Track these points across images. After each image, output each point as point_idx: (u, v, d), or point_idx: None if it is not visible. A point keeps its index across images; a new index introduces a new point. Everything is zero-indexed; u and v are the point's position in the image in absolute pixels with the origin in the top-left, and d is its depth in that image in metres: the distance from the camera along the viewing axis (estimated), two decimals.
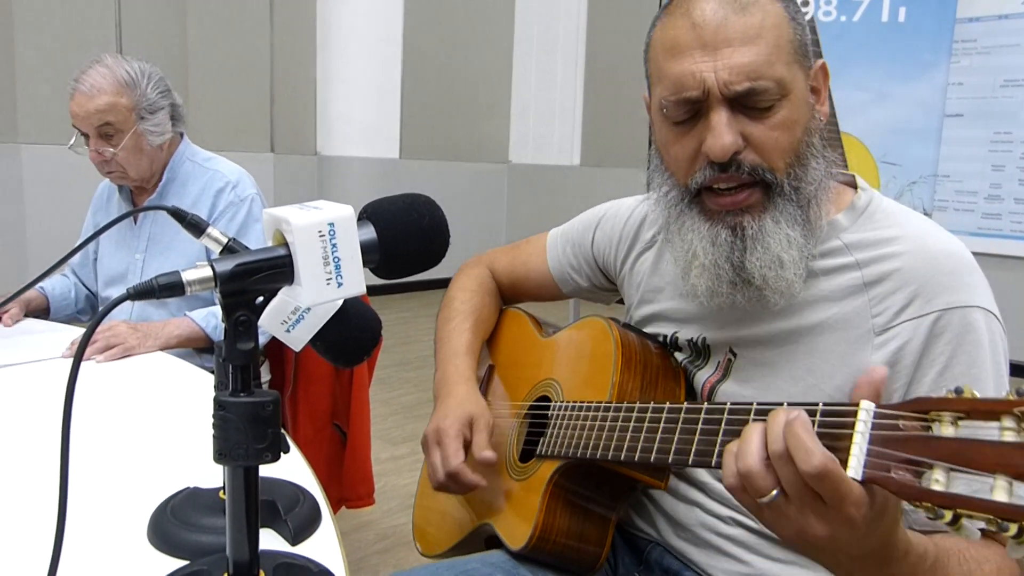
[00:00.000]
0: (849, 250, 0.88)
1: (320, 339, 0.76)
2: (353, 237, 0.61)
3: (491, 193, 7.16)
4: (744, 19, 0.81)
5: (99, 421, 1.17)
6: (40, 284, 1.95)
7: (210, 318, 1.71)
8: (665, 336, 1.03)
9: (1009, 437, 0.53)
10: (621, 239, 1.14)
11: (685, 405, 0.80)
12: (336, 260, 0.60)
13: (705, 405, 0.78)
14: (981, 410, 0.55)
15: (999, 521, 0.51)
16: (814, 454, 0.60)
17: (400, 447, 3.12)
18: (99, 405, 1.26)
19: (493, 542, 1.08)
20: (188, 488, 0.87)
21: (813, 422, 0.63)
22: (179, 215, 0.72)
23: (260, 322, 0.72)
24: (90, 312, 2.04)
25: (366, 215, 0.65)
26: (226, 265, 0.58)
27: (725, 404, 0.75)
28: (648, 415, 0.85)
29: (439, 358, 1.22)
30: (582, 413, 0.96)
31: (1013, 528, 0.50)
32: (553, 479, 0.97)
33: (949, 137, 3.02)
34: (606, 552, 0.99)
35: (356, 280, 0.61)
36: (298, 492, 0.87)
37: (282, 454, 0.63)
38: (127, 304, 1.84)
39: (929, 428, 0.58)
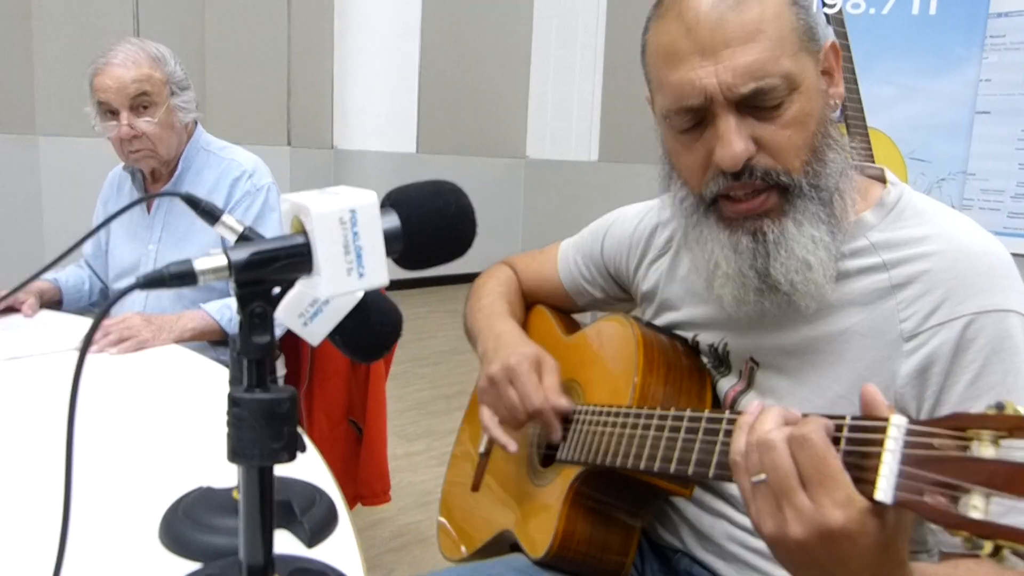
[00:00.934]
0: (876, 250, 0.82)
1: (339, 333, 0.73)
2: (376, 225, 0.57)
3: (508, 188, 7.12)
4: (741, 15, 0.75)
5: (110, 416, 1.14)
6: (54, 276, 1.93)
7: (224, 310, 1.68)
8: (686, 340, 0.99)
9: None
10: (632, 245, 1.10)
11: (706, 413, 0.76)
12: (358, 249, 0.57)
13: (727, 414, 0.73)
14: None
15: None
16: (809, 423, 0.58)
17: (415, 443, 3.10)
18: (111, 399, 1.23)
19: (514, 548, 1.04)
20: (201, 487, 0.84)
21: (839, 438, 0.59)
22: (193, 201, 0.68)
23: (276, 314, 0.69)
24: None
25: (389, 202, 0.61)
26: (241, 254, 0.55)
27: None
28: (668, 423, 0.80)
29: (479, 327, 1.16)
30: (602, 418, 0.92)
31: None
32: (573, 486, 0.93)
33: (979, 134, 2.96)
34: (630, 561, 0.95)
35: (379, 271, 0.58)
36: (314, 492, 0.84)
37: (298, 453, 0.60)
38: (140, 296, 1.82)
39: (967, 447, 0.53)
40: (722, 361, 0.94)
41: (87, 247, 2.04)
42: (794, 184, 0.79)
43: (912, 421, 0.56)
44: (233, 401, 0.57)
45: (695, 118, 0.80)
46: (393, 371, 2.07)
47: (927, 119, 2.96)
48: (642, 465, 0.82)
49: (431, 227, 0.61)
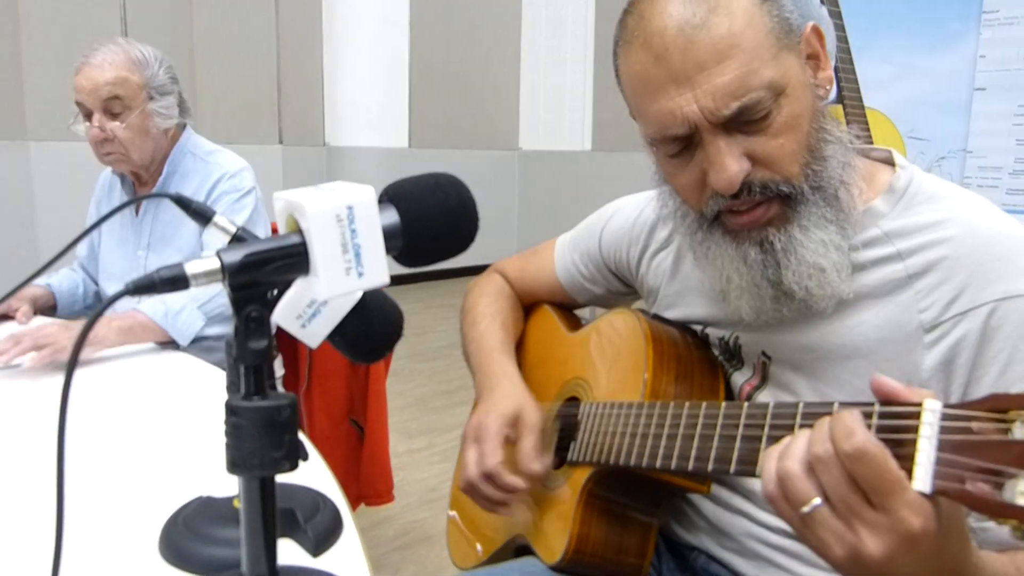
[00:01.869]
0: (890, 239, 0.79)
1: (339, 334, 0.70)
2: (374, 222, 0.55)
3: (502, 180, 7.10)
4: (710, 34, 0.71)
5: (108, 424, 1.12)
6: (47, 281, 1.90)
7: (158, 306, 1.58)
8: (696, 332, 0.97)
9: None
10: (632, 240, 1.07)
11: (723, 407, 0.73)
12: (356, 247, 0.54)
13: (745, 407, 0.71)
14: None
15: None
16: (854, 432, 0.53)
17: (417, 440, 3.08)
18: (108, 406, 1.21)
19: (525, 552, 1.02)
20: (201, 496, 0.81)
21: (869, 425, 0.56)
22: (183, 203, 0.66)
23: (274, 317, 0.67)
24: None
25: (387, 197, 0.59)
26: (234, 256, 0.53)
27: (767, 405, 0.68)
28: (684, 418, 0.78)
29: (475, 362, 1.14)
30: (613, 415, 0.89)
31: None
32: (586, 488, 0.90)
33: (977, 112, 2.93)
34: (648, 563, 0.92)
35: (378, 269, 0.55)
36: (317, 498, 0.82)
37: (301, 461, 0.58)
38: (132, 303, 1.78)
39: (1008, 430, 0.50)
40: (733, 355, 0.92)
41: (81, 249, 2.01)
42: (795, 191, 0.76)
43: (947, 405, 0.54)
44: (231, 409, 0.55)
45: (682, 143, 0.77)
46: (392, 367, 2.05)
47: (925, 97, 2.93)
48: (658, 463, 0.79)
49: (432, 222, 0.59)
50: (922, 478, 0.53)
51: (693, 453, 0.75)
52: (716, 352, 0.94)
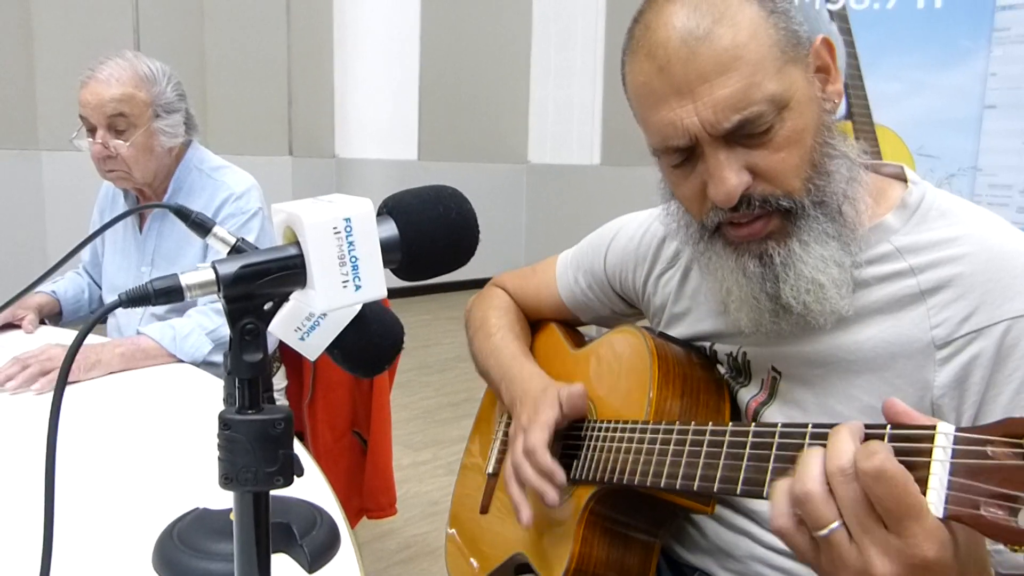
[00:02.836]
0: (902, 255, 0.78)
1: (337, 347, 0.70)
2: (372, 234, 0.54)
3: (511, 194, 7.10)
4: (712, 46, 0.71)
5: (104, 434, 1.11)
6: (52, 288, 1.90)
7: (167, 330, 1.55)
8: (702, 350, 0.96)
9: None
10: (638, 260, 1.06)
11: (730, 427, 0.72)
12: (353, 260, 0.54)
13: (753, 427, 0.70)
14: None
15: None
16: (877, 452, 0.52)
17: (422, 453, 3.06)
18: (104, 416, 1.21)
19: (525, 570, 1.01)
20: (196, 509, 0.80)
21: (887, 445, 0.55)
22: (183, 214, 0.66)
23: (272, 329, 0.66)
24: (107, 317, 1.99)
25: (386, 209, 0.58)
26: (230, 267, 0.52)
27: (776, 425, 0.67)
28: (689, 437, 0.77)
29: (497, 373, 1.11)
30: (617, 434, 0.88)
31: None
32: (588, 506, 0.89)
33: (987, 129, 2.92)
34: None
35: (376, 282, 0.55)
36: (315, 513, 0.81)
37: (296, 477, 0.57)
38: (134, 320, 1.78)
39: None
40: (741, 371, 0.91)
41: (85, 255, 2.00)
42: (796, 206, 0.75)
43: (960, 428, 0.53)
44: (224, 423, 0.54)
45: (684, 154, 0.77)
46: (398, 380, 2.04)
47: (935, 114, 2.92)
48: (662, 483, 0.78)
49: (431, 235, 0.58)
50: (934, 502, 0.51)
51: (699, 473, 0.74)
52: (723, 369, 0.93)
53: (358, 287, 0.54)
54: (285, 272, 0.53)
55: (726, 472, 0.70)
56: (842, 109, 2.75)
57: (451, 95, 6.55)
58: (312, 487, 0.90)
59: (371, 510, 1.81)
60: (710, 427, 0.75)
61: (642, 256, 1.05)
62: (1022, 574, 0.67)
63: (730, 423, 0.73)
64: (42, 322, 1.79)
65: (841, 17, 2.56)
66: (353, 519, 1.82)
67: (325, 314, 0.68)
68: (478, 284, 1.31)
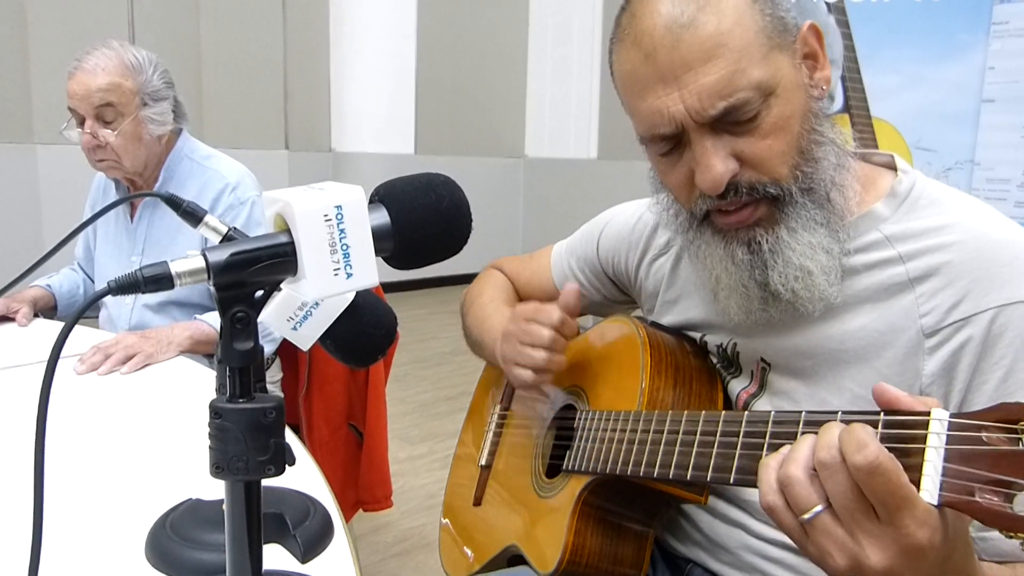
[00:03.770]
0: (891, 243, 0.77)
1: (330, 337, 0.69)
2: (364, 222, 0.54)
3: (507, 188, 7.09)
4: (697, 33, 0.70)
5: (97, 424, 1.11)
6: (47, 282, 1.90)
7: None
8: (694, 340, 0.95)
9: None
10: (631, 246, 1.05)
11: (723, 415, 0.72)
12: (345, 248, 0.53)
13: (746, 415, 0.69)
14: None
15: None
16: (867, 445, 0.52)
17: (418, 446, 3.06)
18: (97, 407, 1.20)
19: (518, 561, 1.00)
20: (190, 499, 0.80)
21: (874, 434, 0.55)
22: (174, 202, 0.65)
23: (264, 319, 0.66)
24: (99, 308, 1.99)
25: (378, 197, 0.58)
26: (220, 254, 0.52)
27: (769, 413, 0.67)
28: (682, 426, 0.76)
29: (489, 335, 1.12)
30: (610, 424, 0.88)
31: None
32: (582, 497, 0.89)
33: (984, 123, 2.91)
34: (643, 573, 0.91)
35: (367, 270, 0.54)
36: (308, 503, 0.80)
37: (287, 466, 0.57)
38: (126, 309, 1.78)
39: (1019, 441, 0.48)
40: (731, 362, 0.91)
41: (79, 251, 2.00)
42: (783, 193, 0.75)
43: (955, 414, 0.52)
44: (215, 411, 0.54)
45: (672, 142, 0.77)
46: (394, 373, 2.04)
47: (933, 107, 2.91)
48: (656, 473, 0.78)
49: (423, 223, 0.58)
50: (929, 489, 0.51)
51: (692, 462, 0.73)
52: (714, 359, 0.93)
53: (349, 275, 0.54)
54: (276, 260, 0.53)
55: (719, 461, 0.70)
56: (839, 102, 2.75)
57: (448, 89, 6.54)
58: (306, 478, 0.89)
59: (367, 503, 1.81)
60: (703, 416, 0.74)
61: (635, 241, 1.05)
62: (1009, 561, 0.67)
63: (722, 412, 0.73)
64: (36, 315, 1.78)
65: (839, 9, 2.56)
66: (349, 512, 1.82)
67: (317, 303, 0.68)
68: (474, 278, 1.31)
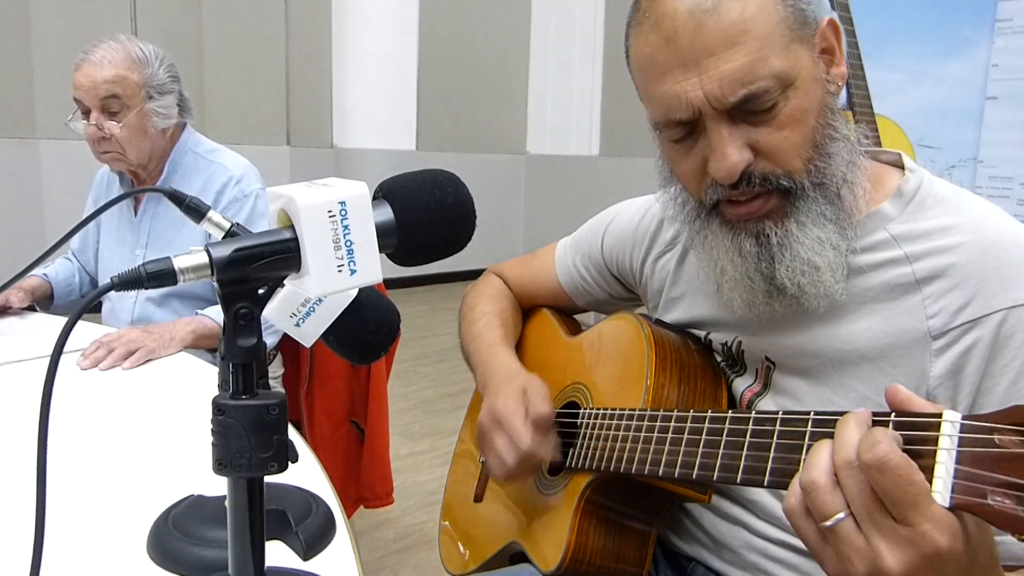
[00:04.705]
0: (897, 243, 0.77)
1: (333, 333, 0.69)
2: (367, 218, 0.54)
3: (509, 184, 7.08)
4: (720, 18, 0.69)
5: (99, 421, 1.11)
6: (44, 272, 1.90)
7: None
8: (698, 338, 0.95)
9: None
10: (636, 242, 1.05)
11: (729, 414, 0.71)
12: (348, 244, 0.53)
13: (753, 414, 0.69)
14: None
15: None
16: (879, 443, 0.51)
17: (419, 443, 3.06)
18: (99, 403, 1.20)
19: (520, 559, 1.00)
20: (192, 496, 0.80)
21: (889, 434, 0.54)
22: (177, 198, 0.65)
23: (267, 315, 0.65)
24: (101, 302, 1.99)
25: (382, 193, 0.57)
26: (223, 250, 0.51)
27: (777, 413, 0.67)
28: (688, 425, 0.76)
29: (476, 360, 1.12)
30: (614, 422, 0.87)
31: None
32: (584, 495, 0.88)
33: (988, 120, 2.90)
34: (646, 571, 0.90)
35: (371, 267, 0.54)
36: (310, 500, 0.80)
37: (290, 463, 0.57)
38: (128, 304, 1.79)
39: None
40: (736, 360, 0.90)
41: (74, 241, 2.00)
42: (796, 186, 0.74)
43: (967, 416, 0.52)
44: (217, 408, 0.53)
45: (687, 128, 0.76)
46: (396, 370, 2.04)
47: (936, 105, 2.90)
48: (661, 472, 0.77)
49: (427, 219, 0.57)
50: (940, 491, 0.51)
51: (697, 461, 0.73)
52: (719, 358, 0.93)
53: (353, 271, 0.54)
54: (279, 256, 0.52)
55: (725, 460, 0.70)
56: (843, 98, 2.74)
57: (450, 85, 6.53)
58: (308, 475, 0.89)
59: (368, 499, 1.81)
60: (709, 414, 0.74)
61: (640, 237, 1.04)
62: (1022, 566, 0.66)
63: (729, 411, 0.72)
64: (32, 308, 1.79)
65: (842, 5, 2.55)
66: (350, 508, 1.82)
67: (320, 300, 0.68)
68: (476, 275, 1.31)
